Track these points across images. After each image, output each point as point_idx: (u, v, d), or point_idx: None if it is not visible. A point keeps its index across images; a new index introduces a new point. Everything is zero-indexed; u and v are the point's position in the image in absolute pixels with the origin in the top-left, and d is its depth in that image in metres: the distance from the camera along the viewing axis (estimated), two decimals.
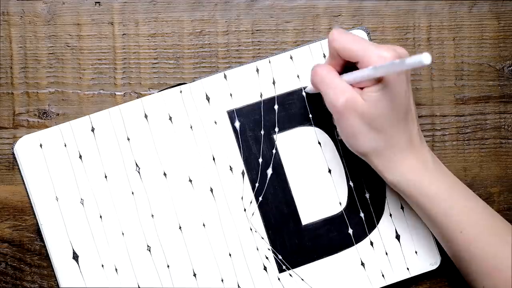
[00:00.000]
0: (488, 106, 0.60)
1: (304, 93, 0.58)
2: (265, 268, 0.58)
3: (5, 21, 0.60)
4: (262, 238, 0.58)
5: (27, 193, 0.58)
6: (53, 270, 0.58)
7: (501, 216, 0.53)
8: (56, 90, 0.60)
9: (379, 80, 0.49)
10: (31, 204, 0.58)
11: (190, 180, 0.58)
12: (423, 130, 0.60)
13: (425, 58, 0.41)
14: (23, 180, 0.58)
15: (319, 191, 0.58)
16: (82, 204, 0.58)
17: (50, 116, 0.59)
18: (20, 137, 0.58)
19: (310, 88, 0.57)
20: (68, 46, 0.60)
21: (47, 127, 0.59)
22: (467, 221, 0.51)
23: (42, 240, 0.58)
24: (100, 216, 0.58)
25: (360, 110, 0.49)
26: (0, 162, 0.59)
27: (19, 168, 0.58)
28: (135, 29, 0.60)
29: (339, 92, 0.50)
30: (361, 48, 0.49)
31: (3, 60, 0.59)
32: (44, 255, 0.59)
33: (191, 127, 0.58)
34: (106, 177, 0.58)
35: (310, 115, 0.58)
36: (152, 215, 0.58)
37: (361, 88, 0.50)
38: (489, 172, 0.60)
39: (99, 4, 0.60)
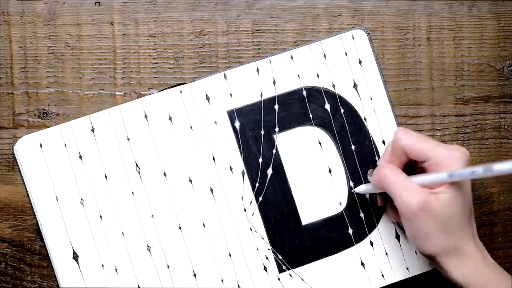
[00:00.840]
0: (488, 106, 0.60)
1: (354, 192, 0.58)
2: (265, 268, 0.58)
3: (5, 21, 0.60)
4: (262, 238, 0.58)
5: (27, 193, 0.58)
6: (53, 270, 0.58)
7: None
8: (56, 90, 0.60)
9: (452, 183, 0.50)
10: (31, 204, 0.58)
11: (190, 180, 0.58)
12: (423, 130, 0.60)
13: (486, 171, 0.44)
14: (23, 180, 0.58)
15: (319, 191, 0.58)
16: (82, 204, 0.58)
17: (50, 116, 0.59)
18: (20, 137, 0.58)
19: (364, 189, 0.57)
20: (68, 46, 0.60)
21: (47, 127, 0.59)
22: None
23: (42, 240, 0.58)
24: (100, 216, 0.58)
25: (434, 211, 0.49)
26: (0, 162, 0.59)
27: (19, 168, 0.58)
28: (135, 29, 0.60)
29: (413, 194, 0.50)
30: (431, 148, 0.50)
31: (3, 60, 0.59)
32: (44, 255, 0.59)
33: (191, 127, 0.58)
34: (106, 177, 0.58)
35: (311, 115, 0.58)
36: (152, 215, 0.58)
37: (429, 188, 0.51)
38: None
39: (99, 4, 0.60)
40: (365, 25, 0.60)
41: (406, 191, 0.50)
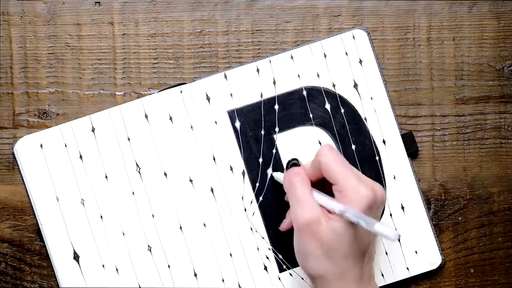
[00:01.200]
0: (488, 106, 0.60)
1: (272, 174, 0.58)
2: (265, 268, 0.58)
3: (5, 21, 0.59)
4: (263, 238, 0.58)
5: (27, 193, 0.58)
6: (53, 270, 0.58)
7: None
8: (56, 90, 0.60)
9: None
10: (31, 204, 0.58)
11: (191, 180, 0.58)
12: (423, 130, 0.60)
13: (394, 236, 0.44)
14: (23, 180, 0.58)
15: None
16: (83, 204, 0.58)
17: (50, 116, 0.59)
18: (20, 137, 0.58)
19: (280, 178, 0.56)
20: (68, 46, 0.60)
21: (47, 127, 0.59)
22: None
23: (42, 240, 0.58)
24: (101, 216, 0.58)
25: (321, 236, 0.48)
26: (0, 162, 0.59)
27: (19, 168, 0.58)
28: (135, 29, 0.60)
29: (305, 210, 0.49)
30: (343, 174, 0.49)
31: (3, 60, 0.59)
32: (44, 255, 0.59)
33: (191, 127, 0.58)
34: (106, 177, 0.58)
35: (311, 115, 0.58)
36: (153, 215, 0.58)
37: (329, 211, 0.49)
38: (489, 172, 0.60)
39: (99, 4, 0.59)
40: (365, 25, 0.60)
41: (301, 204, 0.49)
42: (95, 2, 0.59)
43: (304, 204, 0.49)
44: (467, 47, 0.60)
